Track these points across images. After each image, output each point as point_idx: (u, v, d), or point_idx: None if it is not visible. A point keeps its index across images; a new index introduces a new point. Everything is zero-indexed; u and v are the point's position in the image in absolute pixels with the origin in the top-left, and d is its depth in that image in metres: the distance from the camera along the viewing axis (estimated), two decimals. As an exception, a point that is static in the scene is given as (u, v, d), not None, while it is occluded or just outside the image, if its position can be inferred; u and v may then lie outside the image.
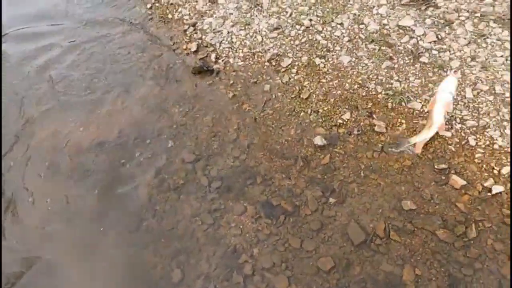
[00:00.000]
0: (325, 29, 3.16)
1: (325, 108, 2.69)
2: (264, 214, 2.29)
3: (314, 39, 3.11)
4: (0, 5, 4.12)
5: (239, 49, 3.21)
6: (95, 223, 2.38)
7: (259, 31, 3.27)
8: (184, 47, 3.36)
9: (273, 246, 2.17)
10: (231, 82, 3.00)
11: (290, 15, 3.33)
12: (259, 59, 3.10)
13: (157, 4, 3.85)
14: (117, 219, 2.39)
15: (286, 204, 2.30)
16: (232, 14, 3.47)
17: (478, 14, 2.91)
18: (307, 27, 3.20)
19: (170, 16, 3.69)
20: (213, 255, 2.19)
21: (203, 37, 3.38)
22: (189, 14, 3.63)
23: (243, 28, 3.33)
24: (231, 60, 3.15)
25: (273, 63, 3.04)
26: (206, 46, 3.31)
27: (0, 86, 3.33)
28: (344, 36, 3.06)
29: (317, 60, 2.96)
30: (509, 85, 2.50)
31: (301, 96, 2.79)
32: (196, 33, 3.44)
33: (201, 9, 3.61)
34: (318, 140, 2.51)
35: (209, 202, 2.39)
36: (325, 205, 2.27)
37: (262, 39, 3.22)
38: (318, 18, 3.24)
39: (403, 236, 2.10)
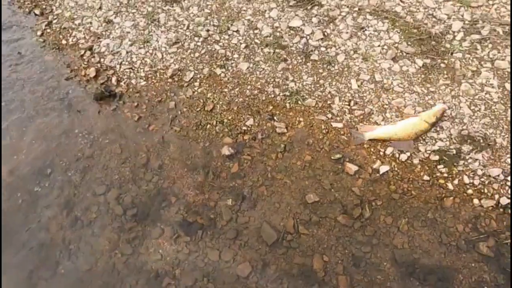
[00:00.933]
0: (222, 38, 3.21)
1: (230, 117, 2.76)
2: (182, 233, 2.32)
3: (213, 49, 3.16)
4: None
5: (140, 68, 3.15)
6: (4, 277, 2.24)
7: (159, 48, 3.24)
8: (83, 73, 3.22)
9: (193, 264, 2.21)
10: (136, 104, 2.95)
11: (188, 27, 3.33)
12: (162, 76, 3.08)
13: (48, 31, 3.62)
14: (29, 268, 2.27)
15: (202, 219, 2.35)
16: (129, 32, 3.39)
17: (357, 9, 3.16)
18: (205, 38, 3.23)
19: (64, 41, 3.49)
20: (136, 285, 2.18)
21: (102, 60, 3.26)
22: (85, 37, 3.47)
23: (142, 46, 3.27)
24: (133, 81, 3.09)
25: (176, 79, 3.04)
26: (106, 70, 3.20)
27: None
28: (241, 43, 3.15)
29: (218, 70, 3.02)
30: (388, 72, 2.77)
31: (205, 108, 2.83)
32: (93, 57, 3.30)
33: (97, 31, 3.47)
34: (226, 150, 2.58)
35: (126, 231, 2.36)
36: (239, 212, 2.36)
37: (163, 55, 3.19)
38: (215, 28, 3.28)
39: (311, 228, 2.26)
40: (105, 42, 3.39)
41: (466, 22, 2.90)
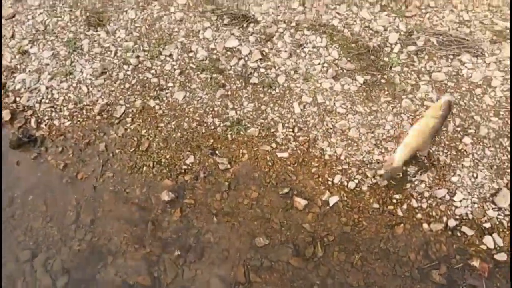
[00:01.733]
0: (154, 64, 2.92)
1: (168, 156, 2.51)
2: (122, 298, 2.07)
3: (145, 78, 2.86)
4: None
5: (64, 106, 2.78)
6: None
7: (84, 80, 2.89)
8: (-4, 117, 2.81)
9: (137, 333, 1.98)
10: (60, 149, 2.60)
11: (115, 54, 3.00)
12: (89, 113, 2.74)
13: (-49, 67, 3.12)
14: None
15: (144, 279, 2.10)
16: (48, 64, 2.99)
17: (294, 24, 3.00)
18: (135, 66, 2.92)
19: (-29, 79, 3.03)
20: None
21: (18, 99, 2.85)
22: (-4, 73, 3.03)
23: (64, 79, 2.89)
24: (56, 122, 2.72)
25: (105, 115, 2.72)
26: (23, 111, 2.80)
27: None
28: (175, 69, 2.88)
29: (152, 102, 2.74)
30: (329, 92, 2.65)
31: (140, 148, 2.55)
32: (7, 96, 2.88)
33: (10, 64, 3.03)
34: (165, 196, 2.33)
35: (57, 305, 2.07)
36: (185, 265, 2.14)
37: (88, 89, 2.84)
38: (146, 53, 2.98)
39: (263, 274, 2.10)
40: (20, 77, 2.96)
41: (402, 33, 2.84)
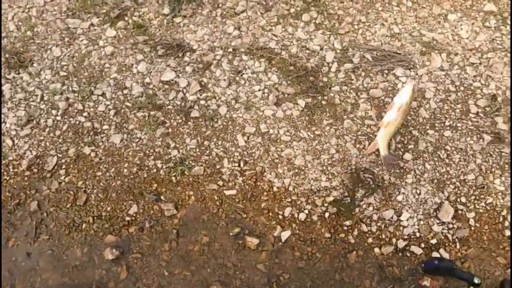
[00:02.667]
0: (86, 106, 2.70)
1: (109, 208, 2.32)
2: None
3: (77, 122, 2.63)
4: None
5: (-14, 164, 2.52)
6: None
7: (7, 131, 2.61)
8: None
9: None
10: (-14, 214, 2.34)
11: (42, 98, 2.74)
12: (16, 169, 2.47)
13: None
14: None
15: None
16: (-36, 117, 2.68)
17: (231, 49, 2.90)
18: (65, 110, 2.67)
19: None
20: None
21: None
22: None
23: (-16, 132, 2.61)
24: (-22, 183, 2.45)
25: (35, 170, 2.47)
26: None
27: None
28: (109, 110, 2.68)
29: (87, 149, 2.53)
30: (272, 120, 2.58)
31: (77, 202, 2.34)
32: None
33: None
34: (109, 254, 2.15)
35: None
36: (137, 329, 2.00)
37: (14, 141, 2.57)
38: (76, 94, 2.75)
39: (221, 326, 2.01)
40: None
41: (338, 51, 2.84)
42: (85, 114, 2.67)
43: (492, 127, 2.46)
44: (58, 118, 2.65)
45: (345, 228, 2.20)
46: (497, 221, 2.19)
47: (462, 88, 2.62)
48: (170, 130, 2.57)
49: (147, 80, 2.79)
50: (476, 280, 1.17)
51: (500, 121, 2.47)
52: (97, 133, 2.58)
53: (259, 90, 2.71)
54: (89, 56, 2.92)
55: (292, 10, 3.03)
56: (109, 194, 2.36)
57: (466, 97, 2.59)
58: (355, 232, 2.18)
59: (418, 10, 2.94)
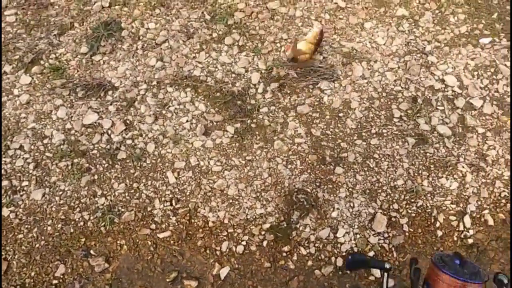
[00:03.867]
0: (3, 163, 2.51)
1: (33, 274, 2.13)
2: None
3: (-7, 182, 2.45)
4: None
5: None
6: None
7: None
8: None
9: None
10: None
11: (-48, 161, 2.52)
12: None
13: None
14: None
15: None
16: None
17: (155, 82, 2.81)
18: (-22, 170, 2.48)
19: None
20: None
21: None
22: None
23: None
24: None
25: None
26: None
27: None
28: (29, 163, 2.49)
29: (5, 211, 2.32)
30: (202, 151, 2.50)
31: (-3, 273, 2.16)
32: None
33: None
34: (35, 326, 1.99)
35: None
36: None
37: None
38: (-10, 151, 2.56)
39: None
40: None
41: (263, 71, 2.82)
42: (2, 172, 2.47)
43: (415, 129, 2.51)
44: (-29, 180, 2.44)
45: (284, 254, 2.14)
46: (429, 223, 2.22)
47: (384, 94, 2.67)
48: (96, 176, 2.43)
49: (68, 126, 2.63)
50: (387, 265, 1.20)
51: (422, 122, 2.53)
52: (15, 192, 2.38)
53: (187, 121, 2.62)
54: (3, 108, 2.72)
55: (214, 35, 2.99)
56: (33, 258, 2.17)
57: (389, 102, 2.64)
58: (295, 257, 2.13)
59: (336, 22, 2.99)
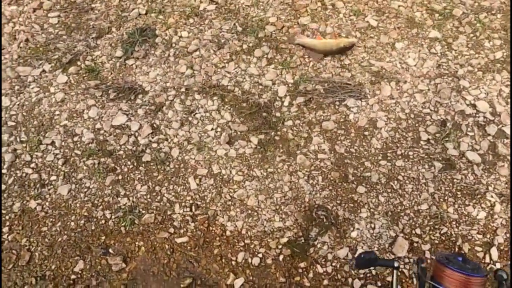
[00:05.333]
0: (34, 156, 2.60)
1: (53, 267, 2.19)
2: None
3: (24, 175, 2.52)
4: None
5: None
6: None
7: (-51, 189, 2.48)
8: None
9: None
10: None
11: (-12, 151, 2.64)
12: (-44, 230, 2.35)
13: None
14: None
15: None
16: None
17: (183, 89, 2.87)
18: (12, 162, 2.57)
19: None
20: None
21: None
22: None
23: None
24: None
25: (-23, 229, 2.35)
26: None
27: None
28: (58, 159, 2.58)
29: (32, 203, 2.41)
30: (225, 159, 2.51)
31: (20, 262, 2.20)
32: None
33: None
34: (51, 319, 2.02)
35: None
36: None
37: (-45, 199, 2.45)
38: (24, 145, 2.65)
39: None
40: None
41: (290, 84, 2.83)
42: (32, 165, 2.56)
43: (443, 153, 2.44)
44: (4, 171, 2.53)
45: (300, 270, 2.10)
46: (452, 251, 2.13)
47: (412, 116, 2.62)
48: (120, 177, 2.48)
49: (98, 125, 2.72)
50: (395, 264, 1.27)
51: (451, 147, 2.46)
52: (44, 185, 2.47)
53: (212, 129, 2.65)
54: (39, 104, 2.84)
55: (244, 46, 3.03)
56: (55, 251, 2.22)
57: (417, 124, 2.58)
58: (310, 274, 2.09)
59: (367, 40, 2.98)
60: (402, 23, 3.04)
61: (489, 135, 2.49)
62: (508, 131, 2.49)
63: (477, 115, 2.58)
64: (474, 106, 2.61)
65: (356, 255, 1.32)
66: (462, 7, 3.10)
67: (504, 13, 3.03)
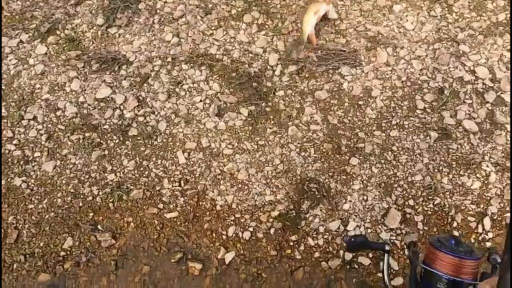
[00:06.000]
0: (16, 132, 2.49)
1: (42, 244, 2.14)
2: None
3: (7, 151, 2.41)
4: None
5: None
6: None
7: None
8: None
9: None
10: None
11: (-32, 127, 2.52)
12: None
13: None
14: None
15: None
16: None
17: (170, 59, 2.70)
18: (-7, 139, 2.48)
19: None
20: None
21: None
22: None
23: None
24: None
25: (-38, 208, 2.28)
26: None
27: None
28: (41, 134, 2.46)
29: (17, 181, 2.32)
30: (214, 132, 2.41)
31: (8, 240, 2.16)
32: None
33: None
34: (41, 295, 2.00)
35: None
36: None
37: None
38: (5, 120, 2.54)
39: None
40: None
41: (281, 52, 2.67)
42: (15, 141, 2.45)
43: (439, 122, 2.34)
44: (-14, 148, 2.44)
45: (291, 243, 2.07)
46: (445, 222, 2.09)
47: (408, 84, 2.49)
48: (106, 152, 2.39)
49: (81, 99, 2.58)
50: (387, 247, 1.24)
51: (447, 116, 2.36)
52: (28, 162, 2.38)
53: (200, 101, 2.53)
54: (19, 77, 2.68)
55: (233, 12, 2.84)
56: (42, 228, 2.18)
57: (413, 93, 2.46)
58: (302, 247, 2.06)
59: (363, 3, 2.78)
60: (401, -16, 2.84)
61: (487, 102, 2.39)
62: (507, 98, 2.39)
63: (476, 82, 2.46)
64: (473, 72, 2.48)
65: (347, 239, 1.28)
66: (465, -35, 2.89)
67: (510, -29, 2.83)
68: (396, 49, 2.59)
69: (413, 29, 2.66)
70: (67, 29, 2.86)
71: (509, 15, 2.66)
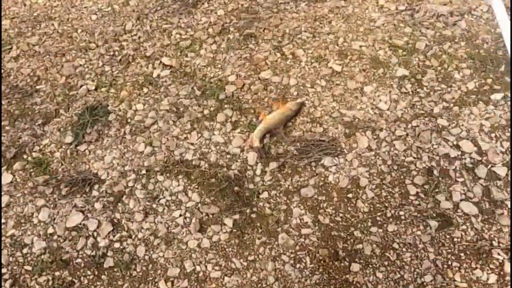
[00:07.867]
0: (-23, 281, 2.20)
1: None
2: None
3: (-35, 308, 2.12)
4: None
5: None
6: None
7: None
8: None
9: None
10: None
11: None
12: None
13: None
14: None
15: None
16: None
17: (144, 171, 2.53)
18: (-50, 293, 2.16)
19: None
20: None
21: None
22: None
23: None
24: None
25: None
26: None
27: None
28: (6, 280, 2.15)
29: None
30: (198, 253, 2.16)
31: None
32: None
33: None
34: None
35: None
36: None
37: None
38: (-36, 268, 2.25)
39: None
40: None
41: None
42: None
43: (436, 208, 2.17)
44: None
45: None
46: (470, 330, 1.83)
47: (395, 167, 2.36)
48: (80, 292, 2.10)
49: (50, 230, 2.33)
50: None
51: (442, 199, 2.19)
52: (-11, 319, 2.06)
53: (180, 215, 2.30)
54: (-19, 213, 2.45)
55: (205, 112, 2.75)
56: None
57: (402, 177, 2.31)
58: None
59: (334, 88, 2.75)
60: (367, 64, 2.84)
61: (480, 178, 2.25)
62: (499, 172, 2.26)
63: (463, 157, 2.34)
64: (458, 147, 2.38)
65: None
66: (424, 39, 2.94)
67: (467, 40, 2.89)
68: (375, 132, 2.50)
69: (388, 109, 2.60)
70: (35, 151, 2.69)
71: (477, 83, 2.66)
